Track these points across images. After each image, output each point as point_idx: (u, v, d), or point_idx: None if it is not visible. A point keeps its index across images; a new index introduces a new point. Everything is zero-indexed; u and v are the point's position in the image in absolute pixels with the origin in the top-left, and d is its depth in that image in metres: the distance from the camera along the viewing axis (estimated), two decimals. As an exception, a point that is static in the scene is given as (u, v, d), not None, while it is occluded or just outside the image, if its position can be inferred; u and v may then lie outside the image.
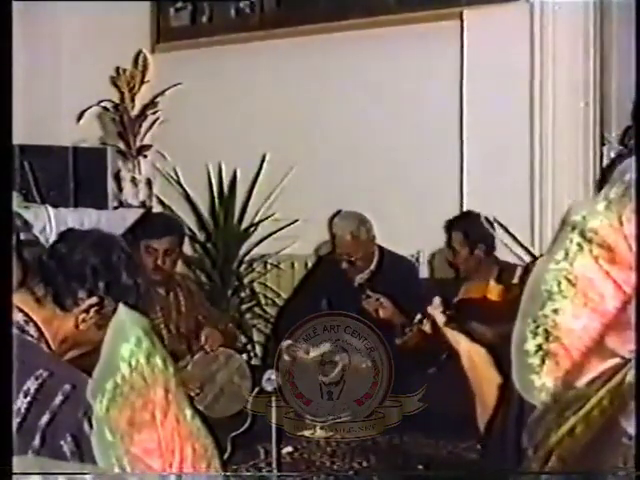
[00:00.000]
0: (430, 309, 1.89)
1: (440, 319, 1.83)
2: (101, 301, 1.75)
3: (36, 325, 1.67)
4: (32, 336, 1.65)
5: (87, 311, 1.74)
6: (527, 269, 3.72)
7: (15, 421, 1.46)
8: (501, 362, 1.63)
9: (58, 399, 1.48)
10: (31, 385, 1.50)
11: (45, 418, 1.46)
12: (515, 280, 4.00)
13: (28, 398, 1.49)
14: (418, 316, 2.14)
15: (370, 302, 4.03)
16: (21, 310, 1.66)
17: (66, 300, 1.73)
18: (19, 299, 1.67)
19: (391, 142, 5.08)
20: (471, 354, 1.70)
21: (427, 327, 2.00)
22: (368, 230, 4.59)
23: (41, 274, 1.73)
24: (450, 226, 4.48)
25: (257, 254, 5.41)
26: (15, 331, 1.61)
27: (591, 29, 4.62)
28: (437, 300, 1.95)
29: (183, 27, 5.61)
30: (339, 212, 4.69)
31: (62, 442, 1.43)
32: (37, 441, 1.44)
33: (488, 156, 4.78)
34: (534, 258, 3.96)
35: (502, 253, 4.47)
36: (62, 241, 1.82)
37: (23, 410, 1.47)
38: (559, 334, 0.67)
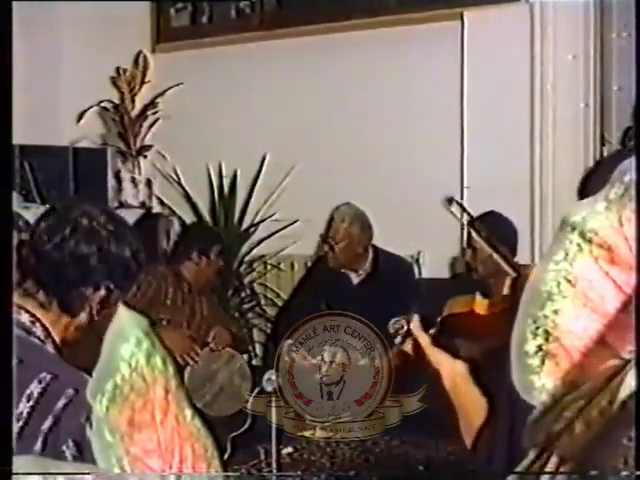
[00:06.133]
0: (412, 328, 1.83)
1: (423, 339, 1.78)
2: (109, 293, 1.69)
3: (43, 326, 1.63)
4: (38, 337, 1.61)
5: (100, 304, 1.69)
6: (516, 280, 3.67)
7: (17, 425, 1.43)
8: (487, 380, 1.60)
9: (61, 403, 1.45)
10: (34, 389, 1.47)
11: (47, 423, 1.43)
12: (505, 291, 3.93)
13: (31, 402, 1.46)
14: (398, 339, 2.07)
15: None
16: (27, 311, 1.62)
17: (73, 306, 1.68)
18: (23, 300, 1.63)
19: (391, 142, 5.08)
20: (453, 375, 1.67)
21: (408, 347, 1.93)
22: (362, 227, 4.55)
23: (40, 281, 1.66)
24: (472, 225, 4.33)
25: (257, 254, 5.41)
26: (21, 333, 1.58)
27: (591, 29, 4.62)
28: (417, 318, 1.87)
29: (183, 27, 5.61)
30: (347, 203, 4.67)
31: (64, 447, 1.40)
32: (38, 445, 1.41)
33: (488, 156, 4.78)
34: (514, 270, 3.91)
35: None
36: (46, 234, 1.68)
37: (25, 414, 1.45)
38: (559, 335, 0.67)
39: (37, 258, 1.67)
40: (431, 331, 1.89)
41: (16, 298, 1.60)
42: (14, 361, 1.47)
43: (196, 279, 4.29)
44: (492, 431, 1.48)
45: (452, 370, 1.67)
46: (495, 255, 3.96)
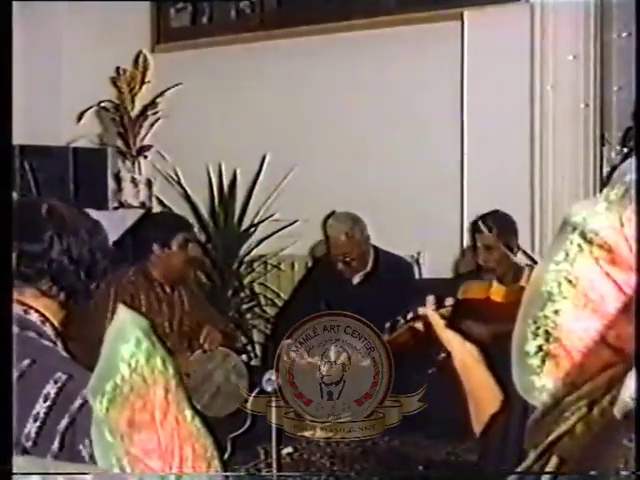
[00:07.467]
0: (425, 307, 1.83)
1: (435, 319, 1.77)
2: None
3: (53, 325, 1.62)
4: (49, 337, 1.60)
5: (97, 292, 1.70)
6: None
7: (35, 425, 1.45)
8: (499, 364, 1.56)
9: (77, 403, 1.46)
10: (51, 389, 1.48)
11: (64, 422, 1.45)
12: (522, 282, 3.93)
13: (48, 402, 1.47)
14: (410, 314, 2.07)
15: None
16: (37, 310, 1.61)
17: (87, 300, 1.68)
18: (34, 299, 1.62)
19: (391, 142, 5.08)
20: (464, 356, 1.65)
21: (420, 325, 1.93)
22: (362, 229, 4.58)
23: (59, 280, 1.65)
24: (479, 224, 4.25)
25: (257, 254, 5.41)
26: (32, 334, 1.58)
27: (591, 29, 4.62)
28: (431, 298, 1.87)
29: (183, 27, 5.61)
30: (332, 213, 4.69)
31: (81, 446, 1.41)
32: (56, 445, 1.43)
33: (488, 156, 4.78)
34: (532, 260, 3.90)
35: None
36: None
37: (42, 415, 1.46)
38: (559, 335, 0.67)
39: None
40: (443, 311, 1.89)
41: (26, 298, 1.60)
42: (27, 362, 1.48)
43: (164, 273, 4.03)
44: (505, 423, 1.44)
45: (463, 350, 1.65)
46: (504, 248, 3.96)
